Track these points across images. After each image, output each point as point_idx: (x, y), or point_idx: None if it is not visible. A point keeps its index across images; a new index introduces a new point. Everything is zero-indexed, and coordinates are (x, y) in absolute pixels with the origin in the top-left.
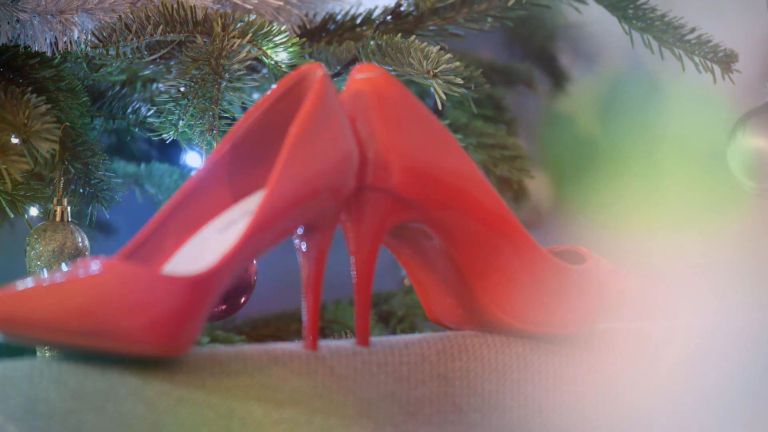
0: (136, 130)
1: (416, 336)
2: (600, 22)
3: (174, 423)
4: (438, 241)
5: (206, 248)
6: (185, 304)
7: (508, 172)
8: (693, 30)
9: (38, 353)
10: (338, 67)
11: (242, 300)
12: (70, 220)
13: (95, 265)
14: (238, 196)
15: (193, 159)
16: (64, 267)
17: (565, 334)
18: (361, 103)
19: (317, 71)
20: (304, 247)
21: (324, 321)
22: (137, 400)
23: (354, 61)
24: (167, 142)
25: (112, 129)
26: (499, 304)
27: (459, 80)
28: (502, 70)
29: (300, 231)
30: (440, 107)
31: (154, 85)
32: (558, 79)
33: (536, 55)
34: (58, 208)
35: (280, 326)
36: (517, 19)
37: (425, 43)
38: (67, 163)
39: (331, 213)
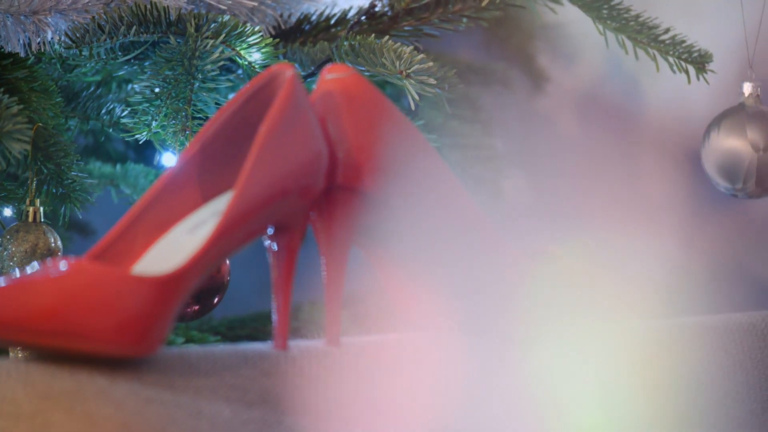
0: (111, 130)
1: (388, 337)
2: (579, 22)
3: (142, 423)
4: (408, 241)
5: (176, 248)
6: (153, 304)
7: (482, 172)
8: (667, 30)
9: (10, 354)
10: (312, 68)
11: (215, 300)
12: (42, 220)
13: (63, 266)
14: (207, 196)
15: (169, 159)
16: (32, 267)
17: (538, 334)
18: (331, 103)
19: (287, 71)
20: (274, 247)
21: (300, 321)
22: (105, 400)
23: (328, 61)
24: (140, 142)
25: (89, 130)
26: (471, 304)
27: (432, 80)
28: (479, 71)
29: (270, 231)
30: (413, 107)
31: (129, 86)
32: (537, 79)
33: (515, 55)
34: (31, 209)
35: (256, 327)
36: (495, 19)
37: (398, 44)
38: (39, 163)
39: (301, 213)
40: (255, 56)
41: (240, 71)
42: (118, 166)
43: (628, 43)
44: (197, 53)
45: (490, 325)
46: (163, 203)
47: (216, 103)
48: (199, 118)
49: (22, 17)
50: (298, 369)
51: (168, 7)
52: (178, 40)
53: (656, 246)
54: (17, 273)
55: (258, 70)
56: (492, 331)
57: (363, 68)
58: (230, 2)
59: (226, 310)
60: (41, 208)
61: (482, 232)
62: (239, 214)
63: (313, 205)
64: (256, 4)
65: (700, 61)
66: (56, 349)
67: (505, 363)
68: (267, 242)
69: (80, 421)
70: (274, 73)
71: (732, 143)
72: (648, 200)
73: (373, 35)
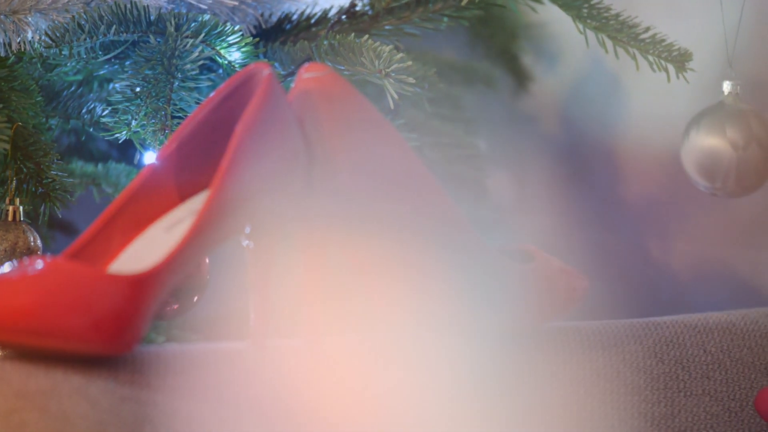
0: (91, 130)
1: (367, 336)
2: (562, 21)
3: (118, 422)
4: (386, 239)
5: (152, 247)
6: (129, 303)
7: (465, 171)
8: (647, 29)
9: None
10: (293, 67)
11: (195, 299)
12: (22, 219)
13: (39, 264)
14: (185, 194)
15: (150, 159)
16: (8, 266)
17: (513, 332)
18: (308, 102)
19: (264, 70)
20: (251, 246)
21: (277, 320)
22: (81, 398)
23: (308, 61)
24: (120, 141)
25: (71, 129)
26: (447, 300)
27: (411, 80)
28: (462, 70)
29: (247, 230)
30: (392, 106)
31: (111, 85)
32: (521, 78)
33: (498, 54)
34: (10, 208)
35: (238, 325)
36: (477, 19)
37: (377, 43)
38: (19, 162)
39: (278, 212)
40: (235, 55)
41: (220, 70)
42: (100, 166)
43: (609, 42)
44: (177, 52)
45: (466, 323)
46: (140, 202)
47: (196, 102)
48: (179, 118)
49: (2, 17)
50: (276, 368)
51: (148, 6)
52: (158, 40)
53: (638, 244)
54: None
55: (238, 69)
56: (468, 328)
57: (343, 67)
58: (211, 1)
59: (208, 309)
60: (21, 207)
61: (460, 231)
62: (215, 213)
63: (291, 204)
64: (236, 3)
65: (679, 60)
66: (32, 347)
67: (482, 360)
68: (245, 242)
69: (55, 420)
70: (251, 72)
71: (711, 142)
72: (630, 199)
73: (353, 34)
